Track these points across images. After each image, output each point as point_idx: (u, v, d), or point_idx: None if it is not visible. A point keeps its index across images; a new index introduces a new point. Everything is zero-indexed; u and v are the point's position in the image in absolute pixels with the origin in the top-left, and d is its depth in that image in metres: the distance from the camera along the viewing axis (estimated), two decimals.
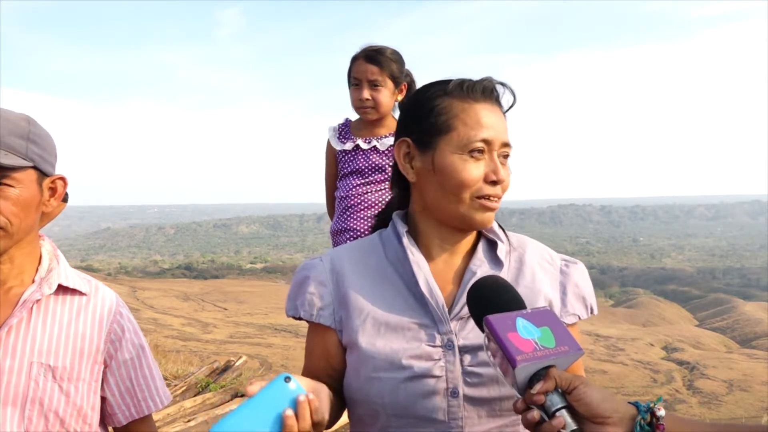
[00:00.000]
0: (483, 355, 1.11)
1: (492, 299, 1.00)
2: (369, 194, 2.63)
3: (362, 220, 2.63)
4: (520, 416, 1.06)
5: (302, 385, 0.97)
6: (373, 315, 1.16)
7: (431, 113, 1.17)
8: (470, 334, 1.13)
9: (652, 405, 0.91)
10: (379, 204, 2.63)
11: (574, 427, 0.89)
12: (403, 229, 1.21)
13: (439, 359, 1.11)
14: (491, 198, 1.14)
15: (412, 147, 1.19)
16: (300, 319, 1.22)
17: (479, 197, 1.13)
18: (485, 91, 1.16)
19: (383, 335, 1.14)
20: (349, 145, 2.64)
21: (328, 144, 2.76)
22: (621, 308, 45.69)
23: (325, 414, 1.02)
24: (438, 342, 1.12)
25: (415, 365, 1.10)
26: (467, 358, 1.11)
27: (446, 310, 1.14)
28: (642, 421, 0.89)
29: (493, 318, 0.95)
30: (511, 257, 1.22)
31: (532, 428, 0.91)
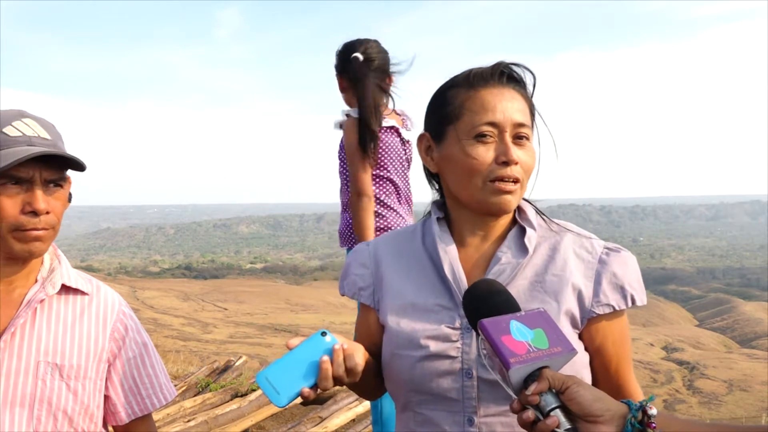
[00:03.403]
0: None
1: (486, 303, 1.02)
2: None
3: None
4: None
5: (337, 339, 1.10)
6: (403, 296, 1.22)
7: (441, 105, 1.21)
8: None
9: (643, 403, 0.92)
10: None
11: (568, 426, 0.91)
12: (435, 216, 1.26)
13: (457, 341, 1.15)
14: (505, 179, 1.14)
15: (430, 140, 1.24)
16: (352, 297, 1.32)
17: (492, 180, 1.14)
18: (492, 75, 1.17)
19: (409, 315, 1.20)
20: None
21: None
22: None
23: (358, 363, 1.10)
24: (457, 324, 1.15)
25: (431, 345, 1.15)
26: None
27: None
28: (633, 419, 0.91)
29: (487, 322, 0.97)
30: (545, 244, 1.22)
31: (528, 428, 0.93)
